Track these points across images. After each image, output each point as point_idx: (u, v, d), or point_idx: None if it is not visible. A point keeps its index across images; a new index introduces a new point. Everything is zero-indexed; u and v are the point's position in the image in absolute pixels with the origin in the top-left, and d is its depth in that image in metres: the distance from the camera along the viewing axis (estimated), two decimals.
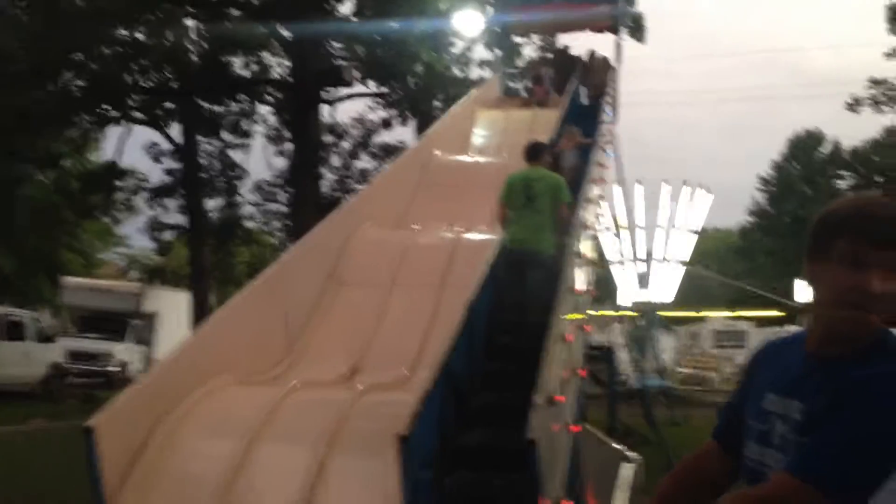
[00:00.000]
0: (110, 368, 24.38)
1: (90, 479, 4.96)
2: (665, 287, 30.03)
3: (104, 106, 23.67)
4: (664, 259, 29.65)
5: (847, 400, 1.80)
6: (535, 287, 7.68)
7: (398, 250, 9.00)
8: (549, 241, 7.94)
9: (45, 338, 21.66)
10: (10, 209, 24.16)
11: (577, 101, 17.08)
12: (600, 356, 13.87)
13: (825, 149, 56.68)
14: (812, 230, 1.95)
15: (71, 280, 29.05)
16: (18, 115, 19.92)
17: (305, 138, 22.85)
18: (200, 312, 22.49)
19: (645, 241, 28.67)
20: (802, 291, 33.46)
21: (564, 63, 19.29)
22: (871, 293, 1.83)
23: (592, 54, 18.45)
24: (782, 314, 36.15)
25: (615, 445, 5.46)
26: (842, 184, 53.44)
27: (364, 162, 27.95)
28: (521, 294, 7.79)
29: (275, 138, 28.33)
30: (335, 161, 28.00)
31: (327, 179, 27.14)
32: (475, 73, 26.36)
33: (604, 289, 21.71)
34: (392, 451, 4.74)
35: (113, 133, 29.23)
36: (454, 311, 6.90)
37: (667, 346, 31.77)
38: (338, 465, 5.26)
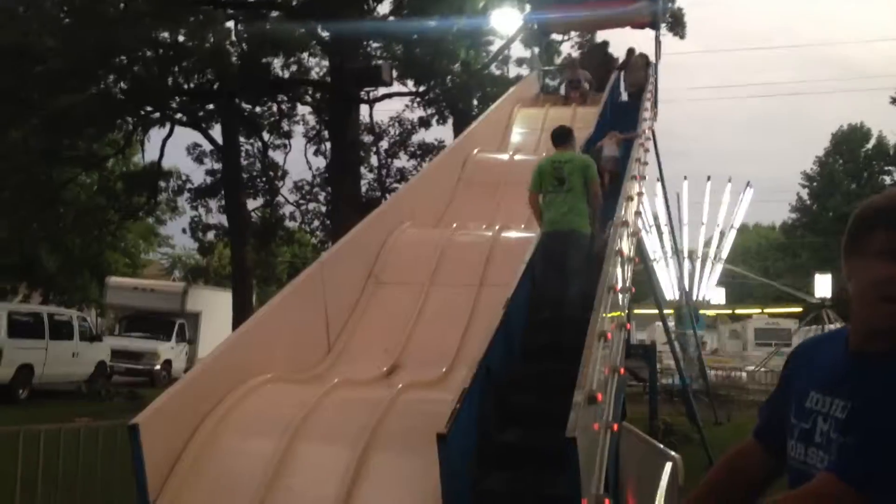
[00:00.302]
0: (155, 367, 24.76)
1: (135, 475, 5.05)
2: (705, 285, 29.80)
3: (146, 108, 24.01)
4: (703, 256, 29.44)
5: (888, 400, 1.77)
6: (573, 265, 7.89)
7: (436, 249, 9.02)
8: (583, 219, 8.15)
9: (92, 337, 22.05)
10: (55, 210, 24.60)
11: (617, 97, 17.00)
12: (641, 354, 13.77)
13: (870, 143, 55.78)
14: (849, 225, 1.92)
15: (116, 280, 29.51)
16: (61, 117, 20.26)
17: (344, 138, 22.96)
18: (242, 311, 22.71)
19: (683, 238, 28.55)
20: (822, 287, 33.00)
21: (602, 59, 19.18)
22: None
23: (632, 52, 18.32)
24: (799, 311, 35.61)
25: (656, 444, 5.40)
26: (888, 179, 52.49)
27: (402, 161, 28.08)
28: (560, 274, 7.94)
29: (314, 138, 28.57)
30: (374, 160, 28.16)
31: (366, 179, 27.30)
32: (513, 70, 26.37)
33: (644, 286, 21.58)
34: (431, 450, 4.76)
35: (156, 134, 29.68)
36: (492, 310, 6.90)
37: (709, 345, 31.46)
38: (377, 463, 5.28)
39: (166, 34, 21.82)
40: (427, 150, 26.96)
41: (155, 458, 5.07)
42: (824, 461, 1.87)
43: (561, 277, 7.91)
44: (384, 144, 28.25)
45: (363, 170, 26.64)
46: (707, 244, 29.22)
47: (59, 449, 5.57)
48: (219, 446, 5.49)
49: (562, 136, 8.78)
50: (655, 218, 26.30)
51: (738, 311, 39.39)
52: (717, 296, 33.96)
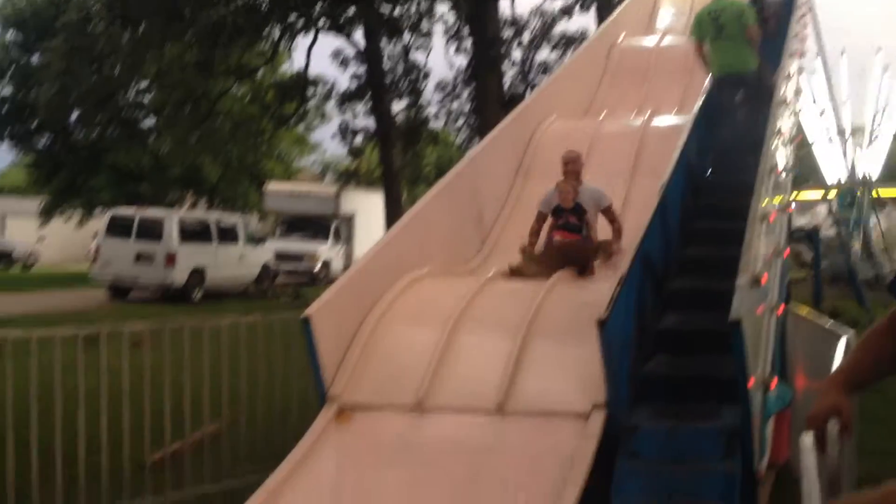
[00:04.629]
0: (315, 268, 25.92)
1: (311, 364, 5.36)
2: (872, 163, 28.07)
3: (290, 16, 24.42)
4: (870, 134, 27.65)
5: None
6: (745, 102, 8.49)
7: (585, 140, 8.89)
8: (748, 60, 8.65)
9: (256, 241, 23.20)
10: (212, 122, 25.68)
11: None
12: (804, 237, 13.29)
13: None
14: None
15: (273, 186, 30.72)
16: (211, 31, 20.92)
17: (485, 34, 22.69)
18: (393, 212, 23.24)
19: (848, 115, 26.86)
20: None
21: None
22: None
23: None
24: None
25: (827, 323, 5.25)
26: None
27: (545, 54, 27.49)
28: (730, 121, 8.49)
29: (454, 36, 28.32)
30: (516, 55, 27.71)
31: (509, 74, 26.95)
32: None
33: (806, 168, 20.59)
34: (592, 336, 4.81)
35: (301, 43, 30.18)
36: (646, 198, 6.79)
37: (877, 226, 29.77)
38: (538, 351, 5.40)
39: None
40: (570, 41, 26.24)
41: (326, 348, 5.35)
42: None
43: (731, 124, 8.41)
44: (526, 38, 27.69)
45: (505, 65, 26.28)
46: (873, 121, 27.42)
47: (239, 341, 5.97)
48: (384, 337, 5.74)
49: None
50: (815, 97, 24.83)
51: None
52: (877, 173, 31.69)
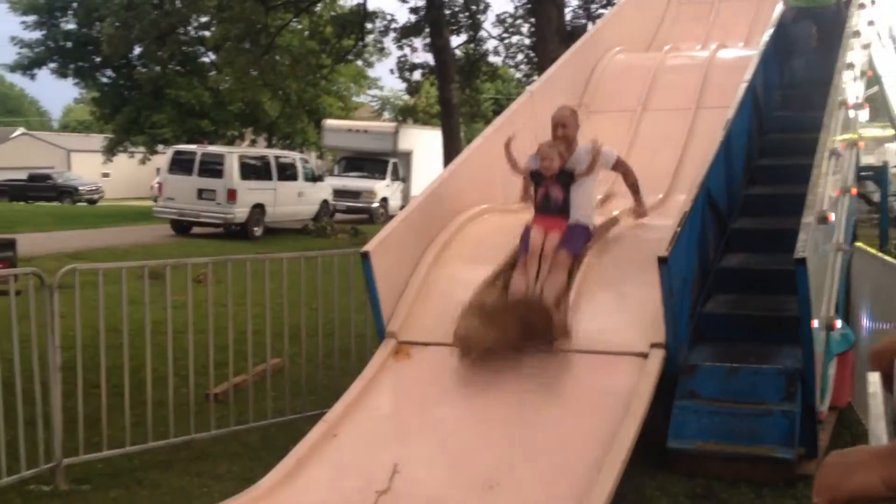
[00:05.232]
0: (373, 205, 26.03)
1: (370, 299, 5.41)
2: None
3: None
4: None
5: None
6: (820, 38, 8.56)
7: (648, 74, 8.70)
8: None
9: (314, 178, 23.34)
10: (272, 57, 25.65)
11: None
12: (872, 176, 12.88)
13: None
14: None
15: (331, 122, 30.72)
16: None
17: None
18: (451, 149, 23.09)
19: None
20: None
21: None
22: None
23: None
24: None
25: (894, 263, 5.11)
26: None
27: None
28: (804, 55, 8.61)
29: None
30: None
31: (570, 6, 26.35)
32: None
33: (878, 104, 19.81)
34: (650, 276, 4.76)
35: None
36: (710, 134, 6.63)
37: None
38: (598, 288, 5.36)
39: None
40: None
41: (385, 284, 5.40)
42: None
43: (803, 59, 8.49)
44: None
45: None
46: None
47: (299, 274, 6.05)
48: (442, 274, 5.76)
49: None
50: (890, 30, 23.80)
51: None
52: None
